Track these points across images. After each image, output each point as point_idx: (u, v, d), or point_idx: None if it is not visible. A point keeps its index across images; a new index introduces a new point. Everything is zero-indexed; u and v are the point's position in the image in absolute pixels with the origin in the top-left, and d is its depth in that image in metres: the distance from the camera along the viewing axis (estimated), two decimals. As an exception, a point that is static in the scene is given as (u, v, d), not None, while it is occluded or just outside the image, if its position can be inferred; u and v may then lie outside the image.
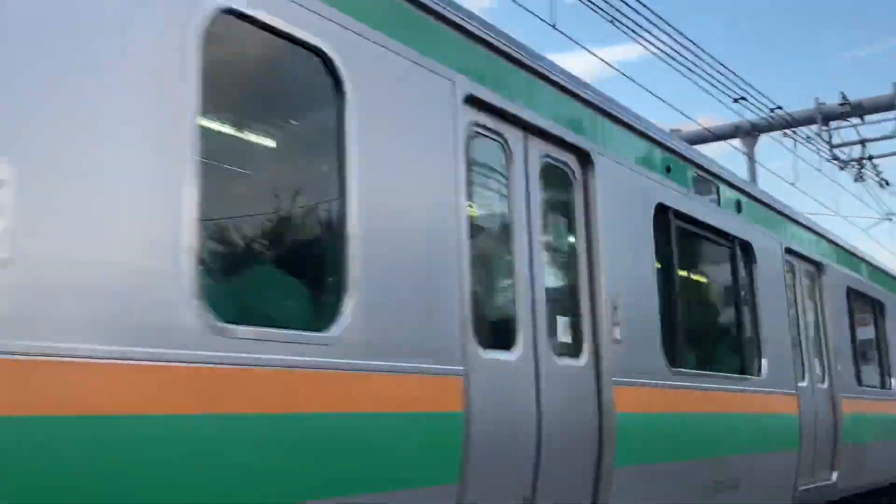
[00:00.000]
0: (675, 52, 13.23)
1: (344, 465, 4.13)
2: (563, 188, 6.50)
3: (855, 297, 13.10)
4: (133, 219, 3.43)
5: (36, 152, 3.15)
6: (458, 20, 5.41)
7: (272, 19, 4.16)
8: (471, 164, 5.42)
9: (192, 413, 3.51)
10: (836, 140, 20.53)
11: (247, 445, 3.68)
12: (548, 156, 6.19)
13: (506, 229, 5.78)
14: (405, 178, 4.87)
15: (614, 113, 7.07)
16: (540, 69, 6.18)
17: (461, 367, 4.86)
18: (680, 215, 7.93)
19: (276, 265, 4.66)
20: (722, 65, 14.72)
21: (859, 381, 12.43)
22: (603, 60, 26.57)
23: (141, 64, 3.55)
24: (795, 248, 10.84)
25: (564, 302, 6.30)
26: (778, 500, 9.18)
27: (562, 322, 6.09)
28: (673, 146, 7.97)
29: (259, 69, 4.57)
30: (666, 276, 7.68)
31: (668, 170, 7.83)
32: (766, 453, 8.82)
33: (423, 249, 4.86)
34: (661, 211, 7.59)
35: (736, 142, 21.14)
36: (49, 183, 3.17)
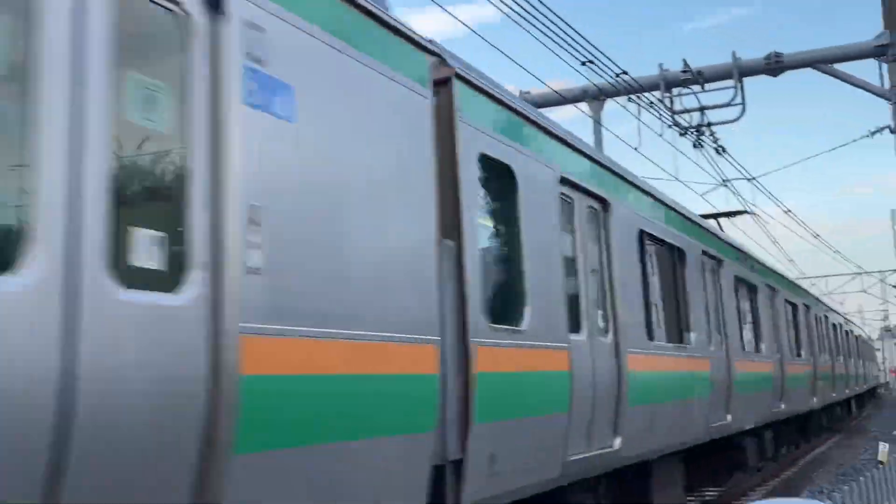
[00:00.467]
0: (528, 13, 13.04)
1: None
2: None
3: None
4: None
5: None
6: None
7: None
8: None
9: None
10: (677, 107, 21.00)
11: None
12: None
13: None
14: None
15: None
16: None
17: None
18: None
19: None
20: (572, 27, 14.65)
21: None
22: (456, 19, 26.35)
23: None
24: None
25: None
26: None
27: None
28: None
29: None
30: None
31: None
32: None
33: None
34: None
35: (584, 106, 21.36)
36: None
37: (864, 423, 43.19)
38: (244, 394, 4.24)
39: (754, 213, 16.04)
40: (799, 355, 23.38)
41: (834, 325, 35.10)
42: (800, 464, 23.76)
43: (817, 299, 32.22)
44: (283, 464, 4.61)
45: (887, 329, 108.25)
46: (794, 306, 23.93)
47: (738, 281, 17.03)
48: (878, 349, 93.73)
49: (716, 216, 16.24)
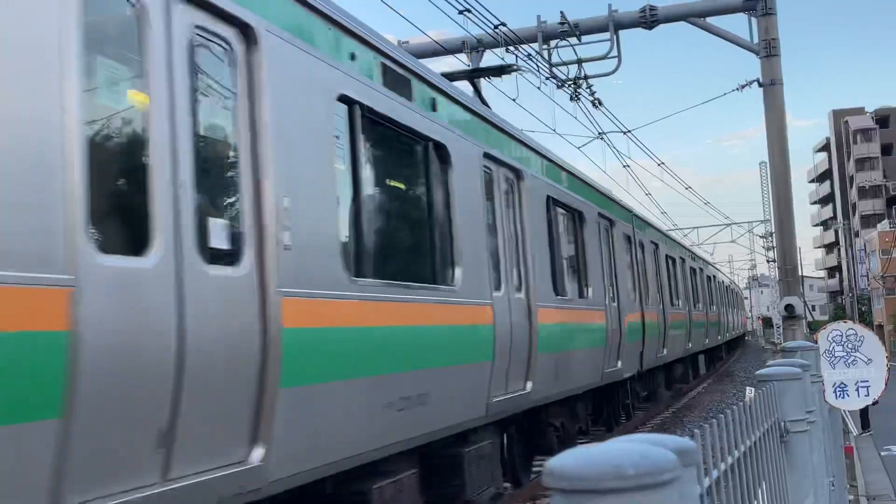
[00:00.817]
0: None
1: None
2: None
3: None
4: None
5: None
6: None
7: None
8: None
9: None
10: (555, 59, 21.01)
11: None
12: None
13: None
14: None
15: None
16: None
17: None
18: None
19: None
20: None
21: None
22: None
23: None
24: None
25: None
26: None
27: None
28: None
29: None
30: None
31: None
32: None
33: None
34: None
35: (463, 57, 21.17)
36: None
37: (734, 367, 45.00)
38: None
39: (517, 69, 16.10)
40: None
41: (708, 276, 36.55)
42: (673, 408, 24.54)
43: (693, 253, 33.58)
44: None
45: (754, 278, 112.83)
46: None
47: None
48: (746, 297, 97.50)
49: (474, 72, 16.03)
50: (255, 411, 5.36)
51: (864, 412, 21.48)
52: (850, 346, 9.15)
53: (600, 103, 21.73)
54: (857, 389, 9.11)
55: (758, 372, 2.82)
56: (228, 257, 5.34)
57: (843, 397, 9.03)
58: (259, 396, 5.36)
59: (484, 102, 12.56)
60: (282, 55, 5.92)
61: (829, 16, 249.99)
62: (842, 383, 9.02)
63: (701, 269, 34.22)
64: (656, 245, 22.11)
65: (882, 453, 19.12)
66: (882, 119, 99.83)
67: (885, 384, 9.44)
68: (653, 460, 0.97)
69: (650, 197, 41.64)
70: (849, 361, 9.11)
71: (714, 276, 40.70)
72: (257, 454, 5.32)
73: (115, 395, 4.37)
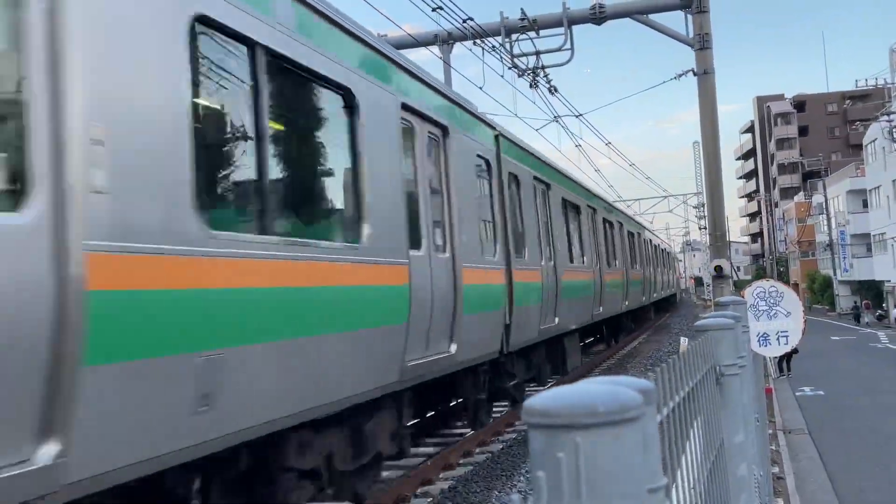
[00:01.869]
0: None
1: None
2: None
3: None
4: None
5: None
6: None
7: None
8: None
9: None
10: (516, 51, 20.91)
11: None
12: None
13: None
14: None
15: None
16: None
17: None
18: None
19: None
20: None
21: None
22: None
23: None
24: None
25: None
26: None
27: None
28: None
29: None
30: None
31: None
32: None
33: None
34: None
35: (435, 49, 21.03)
36: None
37: (668, 321, 45.46)
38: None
39: None
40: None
41: (645, 240, 36.72)
42: (616, 357, 24.80)
43: (630, 218, 33.62)
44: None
45: (687, 243, 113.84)
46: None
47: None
48: (680, 260, 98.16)
49: None
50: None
51: (783, 359, 21.85)
52: (771, 300, 9.28)
53: (556, 90, 21.68)
54: (778, 338, 9.25)
55: (696, 323, 2.85)
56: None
57: (766, 345, 9.17)
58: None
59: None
60: None
61: (754, 12, 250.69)
62: (765, 333, 9.15)
63: (638, 234, 34.07)
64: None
65: (797, 394, 19.47)
66: (799, 104, 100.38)
67: (803, 334, 9.61)
68: (621, 399, 0.98)
69: (599, 172, 41.84)
70: (771, 314, 9.24)
71: (651, 241, 40.73)
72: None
73: None
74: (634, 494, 0.98)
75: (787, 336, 9.19)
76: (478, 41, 19.31)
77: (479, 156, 11.02)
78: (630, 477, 0.97)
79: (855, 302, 58.39)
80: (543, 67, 21.08)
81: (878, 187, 55.38)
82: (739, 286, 32.01)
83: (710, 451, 2.14)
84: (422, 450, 11.69)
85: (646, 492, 0.99)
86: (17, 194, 3.74)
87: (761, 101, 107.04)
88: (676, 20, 52.73)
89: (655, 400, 1.15)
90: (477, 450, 11.90)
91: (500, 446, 12.14)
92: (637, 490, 0.99)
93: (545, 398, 0.99)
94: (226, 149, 5.74)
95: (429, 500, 9.26)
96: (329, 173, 7.19)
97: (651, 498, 1.01)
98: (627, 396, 0.97)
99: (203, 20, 5.15)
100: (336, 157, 7.20)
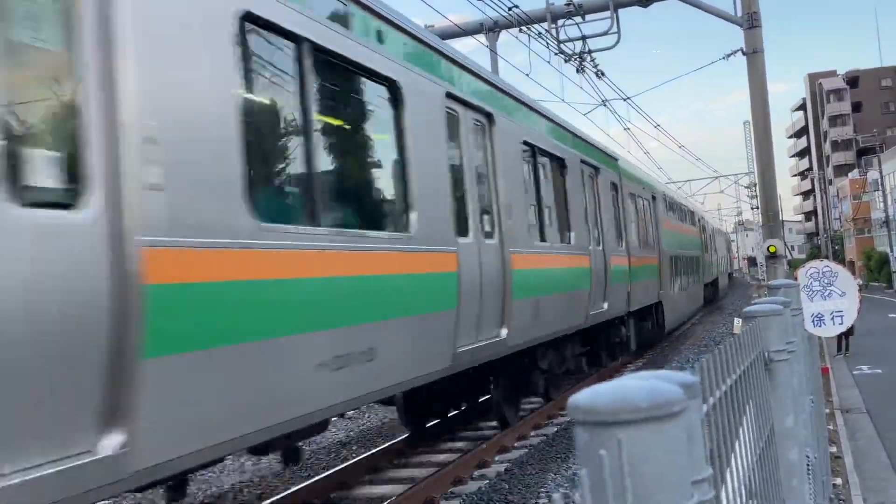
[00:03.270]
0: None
1: None
2: None
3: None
4: None
5: None
6: None
7: None
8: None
9: None
10: (562, 37, 20.75)
11: None
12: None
13: None
14: None
15: None
16: None
17: None
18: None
19: None
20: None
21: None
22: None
23: None
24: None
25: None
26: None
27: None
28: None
29: None
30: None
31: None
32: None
33: None
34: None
35: (482, 37, 20.97)
36: None
37: (722, 302, 44.80)
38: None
39: None
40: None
41: (703, 226, 36.86)
42: (671, 339, 24.53)
43: (692, 207, 34.33)
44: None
45: (740, 223, 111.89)
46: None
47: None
48: (733, 240, 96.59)
49: None
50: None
51: (841, 338, 21.41)
52: (825, 281, 9.08)
53: (603, 74, 21.45)
54: (833, 319, 9.05)
55: (745, 310, 2.83)
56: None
57: (820, 326, 8.99)
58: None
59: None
60: None
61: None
62: (819, 314, 8.97)
63: (701, 219, 35.36)
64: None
65: (854, 372, 19.06)
66: (852, 80, 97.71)
67: (858, 313, 9.38)
68: (663, 395, 0.99)
69: (648, 155, 41.35)
70: (825, 295, 9.05)
71: (711, 225, 41.37)
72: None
73: None
74: (678, 487, 0.99)
75: (841, 316, 8.98)
76: (523, 28, 19.21)
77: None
78: (673, 470, 0.99)
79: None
80: (590, 52, 20.89)
81: (936, 162, 53.69)
82: (794, 265, 31.44)
83: (760, 436, 2.13)
84: (473, 433, 11.74)
85: (690, 484, 1.01)
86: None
87: (813, 79, 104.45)
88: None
89: (698, 393, 1.15)
90: (532, 433, 11.91)
91: (555, 429, 12.14)
92: (681, 482, 1.00)
93: (589, 394, 1.00)
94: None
95: (485, 481, 9.32)
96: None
97: (695, 489, 1.02)
98: (669, 392, 0.98)
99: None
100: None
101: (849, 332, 19.76)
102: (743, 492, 1.74)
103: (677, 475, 0.99)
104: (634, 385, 1.00)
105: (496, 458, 10.37)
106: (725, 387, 1.63)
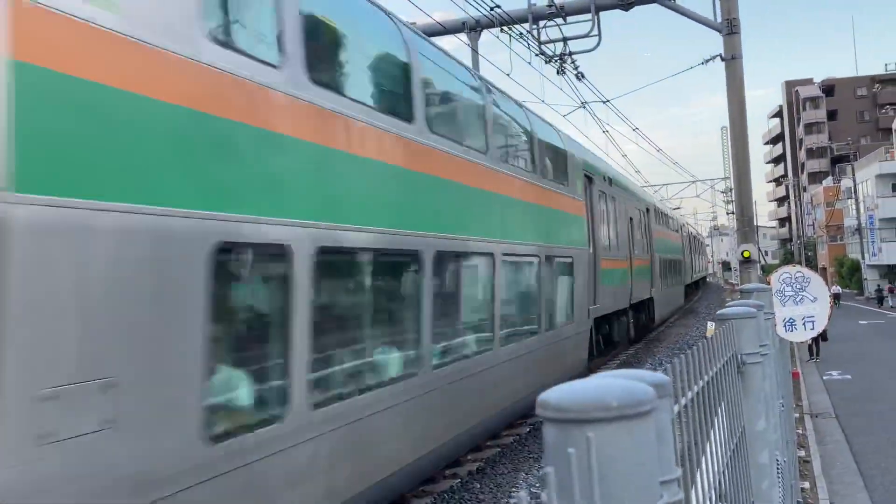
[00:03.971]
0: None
1: None
2: None
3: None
4: None
5: None
6: None
7: None
8: None
9: None
10: (543, 38, 20.75)
11: None
12: None
13: None
14: None
15: None
16: None
17: None
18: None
19: None
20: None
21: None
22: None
23: None
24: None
25: None
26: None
27: None
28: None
29: None
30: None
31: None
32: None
33: None
34: None
35: (464, 36, 20.95)
36: None
37: (696, 305, 45.10)
38: None
39: None
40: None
41: (688, 234, 38.94)
42: (644, 340, 24.66)
43: (673, 214, 36.35)
44: None
45: (715, 228, 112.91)
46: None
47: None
48: (708, 245, 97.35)
49: None
50: None
51: (813, 343, 21.61)
52: (797, 286, 9.15)
53: (583, 76, 21.49)
54: (804, 324, 9.12)
55: (718, 312, 2.83)
56: None
57: (792, 330, 9.05)
58: None
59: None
60: None
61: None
62: (791, 319, 9.04)
63: (683, 226, 39.17)
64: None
65: (824, 378, 19.25)
66: (828, 88, 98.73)
67: (828, 319, 9.47)
68: (634, 394, 0.97)
69: (626, 158, 41.48)
70: (797, 300, 9.12)
71: (691, 234, 43.78)
72: None
73: None
74: (647, 487, 0.98)
75: (813, 321, 9.06)
76: (505, 28, 19.19)
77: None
78: (642, 470, 0.97)
79: (878, 285, 57.57)
80: (571, 54, 20.91)
81: (908, 171, 54.37)
82: (767, 271, 31.76)
83: (732, 438, 2.13)
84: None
85: (658, 484, 0.99)
86: None
87: (790, 86, 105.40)
88: (704, 5, 51.85)
89: (669, 393, 1.14)
90: (504, 432, 11.92)
91: (528, 429, 12.15)
92: (650, 482, 0.98)
93: (559, 392, 0.98)
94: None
95: (456, 480, 9.30)
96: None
97: (664, 489, 1.01)
98: (640, 391, 0.97)
99: None
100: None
101: (821, 338, 19.95)
102: (713, 494, 1.74)
103: (646, 475, 0.97)
104: (605, 384, 0.98)
105: (468, 457, 10.37)
106: (697, 388, 1.62)
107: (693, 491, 1.47)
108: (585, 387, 0.97)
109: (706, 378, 1.73)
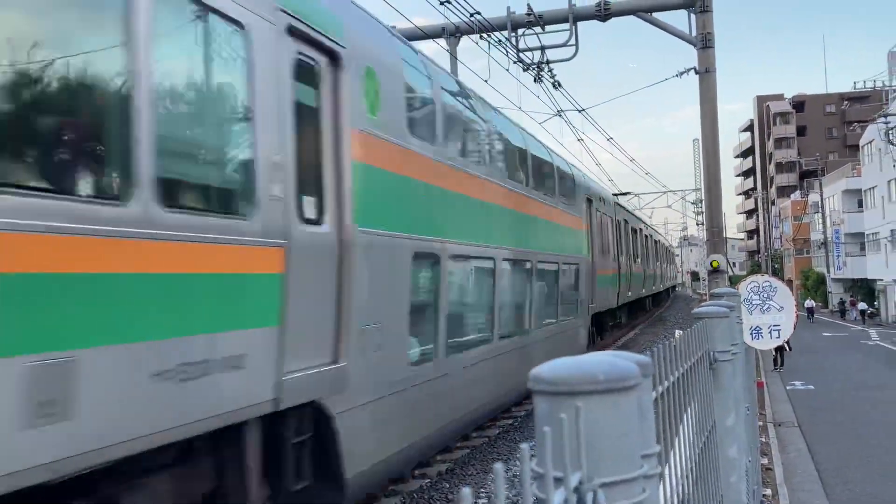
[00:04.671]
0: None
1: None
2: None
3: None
4: None
5: None
6: None
7: None
8: None
9: None
10: (521, 45, 20.90)
11: None
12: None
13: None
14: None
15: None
16: None
17: None
18: None
19: None
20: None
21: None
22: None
23: None
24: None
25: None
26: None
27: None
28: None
29: None
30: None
31: None
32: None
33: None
34: None
35: (443, 42, 21.04)
36: None
37: (665, 313, 45.52)
38: None
39: None
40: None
41: (656, 241, 38.82)
42: (614, 347, 24.88)
43: (645, 223, 36.32)
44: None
45: (685, 238, 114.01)
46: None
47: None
48: (678, 255, 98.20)
49: None
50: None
51: (776, 354, 21.91)
52: (765, 295, 9.32)
53: (560, 85, 21.67)
54: (770, 332, 9.29)
55: (693, 310, 2.91)
56: None
57: (758, 338, 9.21)
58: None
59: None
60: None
61: (756, 13, 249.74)
62: (757, 327, 9.20)
63: (651, 236, 40.08)
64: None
65: (787, 388, 19.54)
66: (798, 104, 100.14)
67: (794, 328, 9.65)
68: (620, 369, 1.03)
69: (600, 167, 41.86)
70: (764, 308, 9.29)
71: (659, 241, 44.23)
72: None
73: None
74: (629, 457, 1.04)
75: (779, 329, 9.23)
76: (484, 35, 19.31)
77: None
78: (626, 441, 1.03)
79: (841, 298, 58.45)
80: (548, 62, 21.08)
81: (874, 188, 55.32)
82: (734, 281, 32.11)
83: (703, 431, 2.20)
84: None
85: (640, 456, 1.05)
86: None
87: (761, 101, 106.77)
88: (680, 19, 52.53)
89: (652, 373, 1.20)
90: (475, 433, 11.98)
91: (497, 431, 12.21)
92: (632, 453, 1.04)
93: (551, 367, 1.04)
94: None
95: (426, 480, 9.34)
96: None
97: (645, 462, 1.07)
98: (626, 367, 1.03)
99: None
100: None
101: (784, 348, 20.23)
102: (686, 481, 1.80)
103: (629, 446, 1.04)
104: (594, 360, 1.04)
105: (438, 458, 10.41)
106: (674, 377, 1.69)
107: (668, 475, 1.54)
108: (575, 362, 1.03)
109: (682, 369, 1.80)
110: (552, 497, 0.85)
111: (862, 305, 51.43)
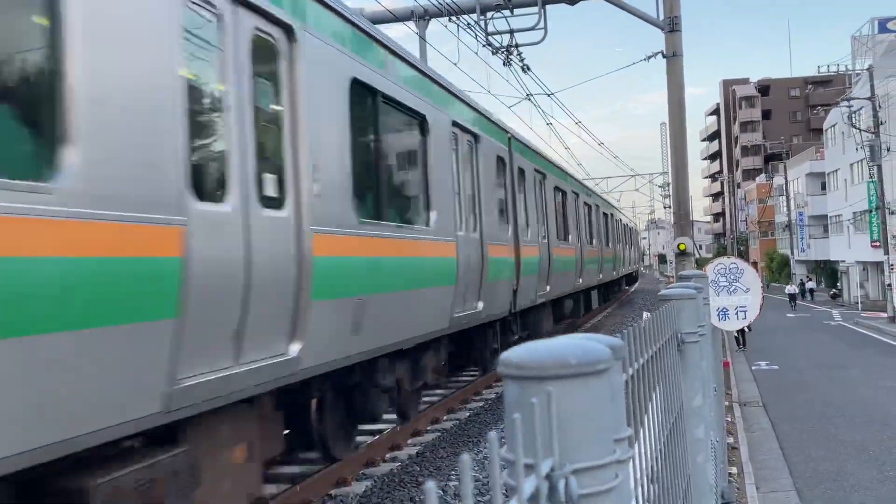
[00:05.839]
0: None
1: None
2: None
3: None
4: None
5: None
6: None
7: None
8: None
9: None
10: (491, 29, 20.80)
11: None
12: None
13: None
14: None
15: None
16: None
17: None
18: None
19: None
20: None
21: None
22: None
23: None
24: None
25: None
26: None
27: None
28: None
29: None
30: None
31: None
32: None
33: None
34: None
35: (412, 24, 20.87)
36: None
37: (632, 296, 45.89)
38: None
39: None
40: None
41: (618, 220, 37.24)
42: (582, 329, 25.04)
43: (606, 201, 34.06)
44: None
45: (653, 221, 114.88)
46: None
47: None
48: (645, 238, 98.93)
49: None
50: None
51: (740, 334, 22.18)
52: (731, 276, 9.40)
53: (528, 68, 21.62)
54: (737, 313, 9.39)
55: (660, 293, 2.91)
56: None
57: (724, 320, 9.30)
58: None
59: None
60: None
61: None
62: (724, 308, 9.28)
63: (612, 214, 34.07)
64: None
65: (753, 368, 19.81)
66: (763, 88, 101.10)
67: (760, 309, 9.76)
68: (591, 353, 1.01)
69: (569, 151, 41.96)
70: (730, 290, 9.37)
71: (622, 221, 40.60)
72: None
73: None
74: (602, 442, 1.02)
75: (745, 311, 9.33)
76: (453, 18, 19.20)
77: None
78: (597, 426, 1.02)
79: (801, 279, 59.23)
80: (517, 46, 21.00)
81: (837, 171, 56.10)
82: (701, 264, 32.35)
83: (671, 413, 2.20)
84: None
85: (612, 441, 1.04)
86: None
87: (727, 85, 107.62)
88: (648, 2, 52.70)
89: (624, 356, 1.19)
90: (445, 416, 12.00)
91: (468, 414, 12.25)
92: (604, 438, 1.03)
93: (520, 351, 1.02)
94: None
95: (397, 464, 9.34)
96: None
97: (617, 446, 1.05)
98: (597, 350, 1.01)
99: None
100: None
101: (744, 329, 20.49)
102: (655, 464, 1.80)
103: (601, 431, 1.02)
104: (564, 343, 1.02)
105: (409, 442, 10.42)
106: (643, 360, 1.68)
107: (637, 459, 1.53)
108: (546, 345, 1.01)
109: (651, 351, 1.79)
110: (523, 485, 0.83)
111: (790, 289, 49.67)
